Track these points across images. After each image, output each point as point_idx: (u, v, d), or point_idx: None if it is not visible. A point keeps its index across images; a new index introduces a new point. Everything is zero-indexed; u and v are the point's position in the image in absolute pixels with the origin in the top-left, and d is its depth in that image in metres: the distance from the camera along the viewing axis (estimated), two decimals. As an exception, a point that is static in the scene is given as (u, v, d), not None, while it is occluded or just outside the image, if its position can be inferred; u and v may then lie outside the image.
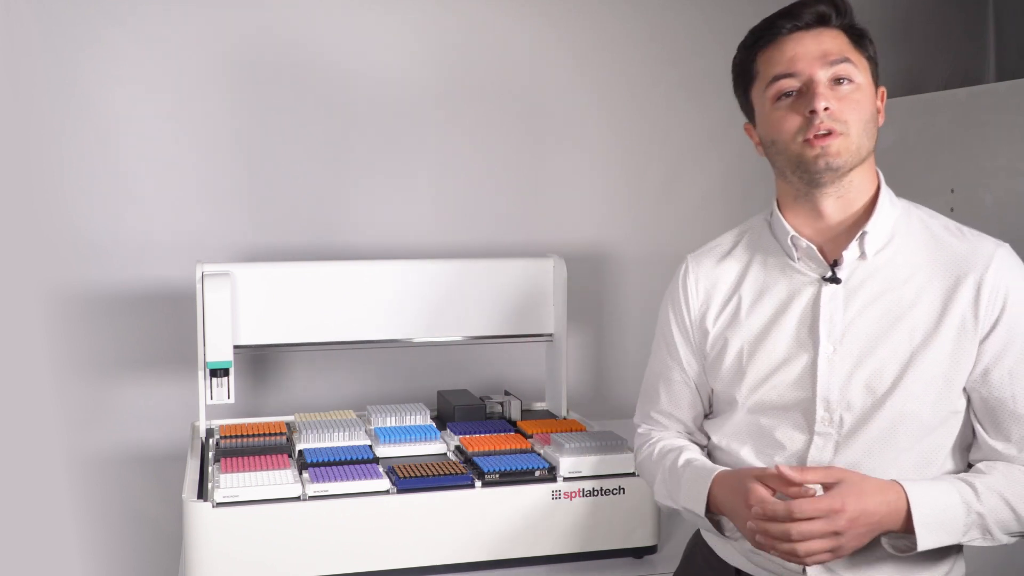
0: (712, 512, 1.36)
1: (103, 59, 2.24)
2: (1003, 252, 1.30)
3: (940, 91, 2.55)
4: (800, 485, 1.23)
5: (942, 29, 2.86)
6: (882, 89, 1.37)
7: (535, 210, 2.56)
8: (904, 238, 1.34)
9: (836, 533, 1.20)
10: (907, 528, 1.23)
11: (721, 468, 1.37)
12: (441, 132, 2.48)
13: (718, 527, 1.38)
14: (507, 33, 2.50)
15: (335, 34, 2.39)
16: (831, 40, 1.31)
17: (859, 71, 1.30)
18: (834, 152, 1.28)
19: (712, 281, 1.45)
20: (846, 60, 1.29)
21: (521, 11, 2.51)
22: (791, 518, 1.20)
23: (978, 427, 1.31)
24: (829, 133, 1.27)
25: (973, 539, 1.25)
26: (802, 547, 1.20)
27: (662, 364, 1.50)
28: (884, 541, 1.27)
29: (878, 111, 1.35)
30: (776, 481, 1.26)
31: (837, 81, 1.29)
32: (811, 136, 1.28)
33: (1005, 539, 1.27)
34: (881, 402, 1.29)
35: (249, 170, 2.36)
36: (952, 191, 2.32)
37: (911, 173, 2.36)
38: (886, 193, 1.36)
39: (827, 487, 1.24)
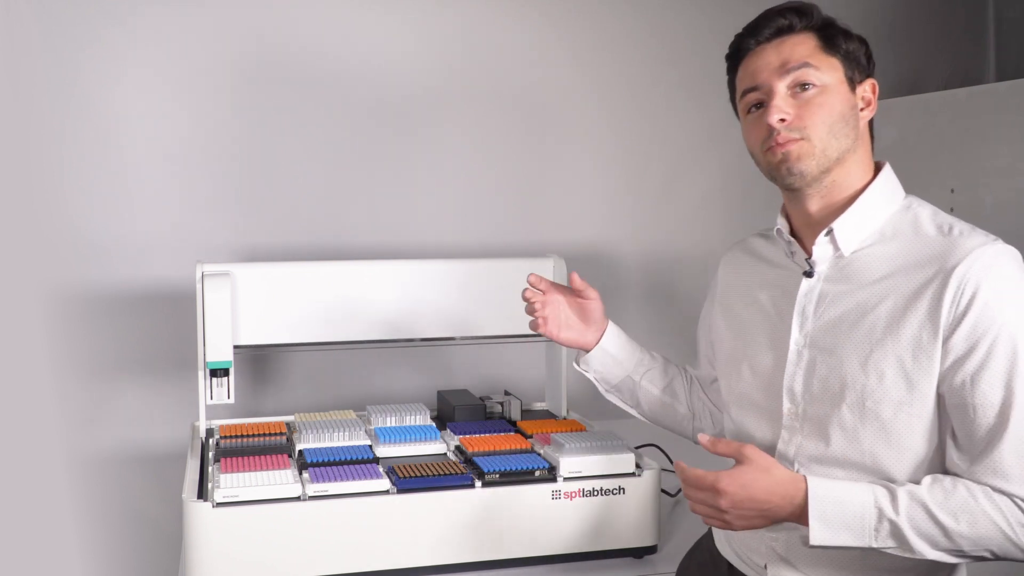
0: None
1: (103, 59, 2.24)
2: (984, 250, 1.21)
3: (940, 91, 2.54)
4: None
5: (942, 29, 2.87)
6: (871, 81, 1.34)
7: (535, 210, 2.56)
8: (892, 235, 1.30)
9: (719, 509, 1.25)
10: (807, 521, 1.21)
11: None
12: (441, 132, 2.47)
13: None
14: (507, 33, 2.50)
15: (335, 34, 2.39)
16: (792, 47, 1.31)
17: (824, 72, 1.29)
18: (795, 157, 1.29)
19: (733, 271, 1.52)
20: (805, 65, 1.29)
21: (521, 11, 2.50)
22: (681, 476, 1.28)
23: (946, 435, 1.25)
24: (790, 141, 1.29)
25: (888, 546, 1.19)
26: (694, 508, 1.28)
27: (698, 335, 1.65)
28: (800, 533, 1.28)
29: (866, 104, 1.34)
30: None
31: (802, 87, 1.29)
32: (772, 145, 1.30)
33: (936, 555, 1.19)
34: (840, 398, 1.27)
35: (249, 170, 2.36)
36: (952, 191, 2.32)
37: (911, 173, 2.33)
38: (878, 189, 1.33)
39: (737, 463, 1.27)
